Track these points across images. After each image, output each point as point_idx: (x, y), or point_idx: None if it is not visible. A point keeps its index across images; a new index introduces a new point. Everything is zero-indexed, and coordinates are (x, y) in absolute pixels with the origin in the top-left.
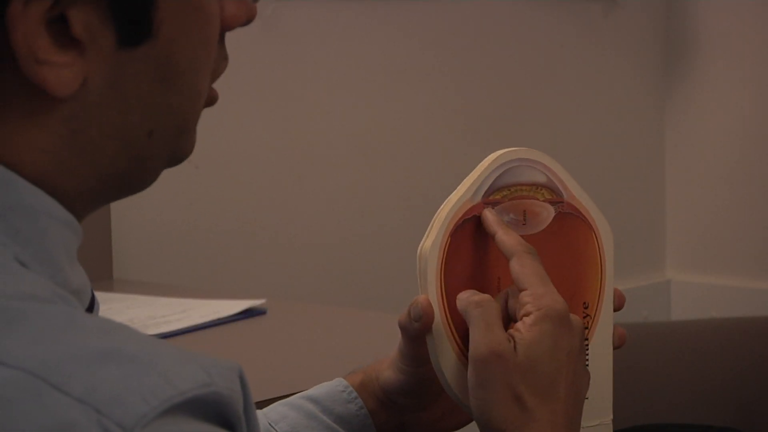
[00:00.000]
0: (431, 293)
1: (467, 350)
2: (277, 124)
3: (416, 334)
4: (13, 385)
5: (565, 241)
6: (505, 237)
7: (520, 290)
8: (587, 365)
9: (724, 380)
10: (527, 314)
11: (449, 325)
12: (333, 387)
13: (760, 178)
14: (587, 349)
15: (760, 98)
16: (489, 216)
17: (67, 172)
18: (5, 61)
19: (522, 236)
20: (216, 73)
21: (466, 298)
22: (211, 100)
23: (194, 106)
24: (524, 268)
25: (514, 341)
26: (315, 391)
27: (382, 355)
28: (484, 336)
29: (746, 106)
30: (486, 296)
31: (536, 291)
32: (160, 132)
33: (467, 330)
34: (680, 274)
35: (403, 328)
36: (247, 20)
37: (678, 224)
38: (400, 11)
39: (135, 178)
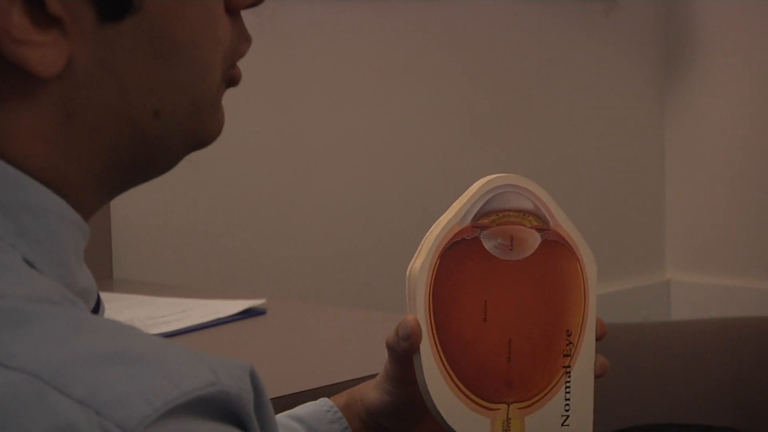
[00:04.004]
0: (419, 314)
1: (453, 371)
2: (278, 124)
3: (404, 353)
4: (15, 387)
5: (550, 268)
6: None
7: None
8: (569, 393)
9: (724, 380)
10: None
11: (436, 345)
12: (318, 407)
13: (760, 178)
14: (569, 377)
15: (760, 98)
16: None
17: (71, 159)
18: None
19: (508, 262)
20: (237, 54)
21: None
22: (232, 79)
23: (204, 83)
24: None
25: None
26: (300, 410)
27: (382, 354)
28: None
29: (746, 106)
30: None
31: None
32: (168, 111)
33: (454, 351)
34: (680, 274)
35: (391, 348)
36: None
37: (678, 224)
38: (400, 12)
39: (149, 161)
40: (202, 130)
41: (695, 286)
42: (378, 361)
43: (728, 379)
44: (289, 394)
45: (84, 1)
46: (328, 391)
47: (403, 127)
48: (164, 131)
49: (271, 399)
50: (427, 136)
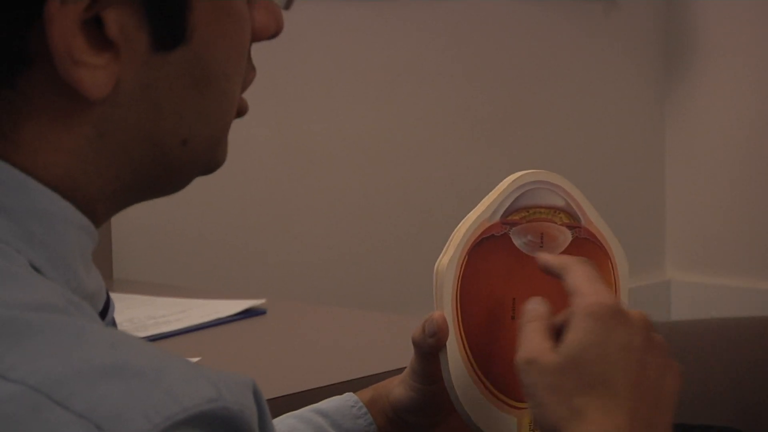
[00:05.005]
0: (446, 310)
1: (480, 369)
2: (278, 124)
3: (429, 350)
4: (14, 400)
5: None
6: (553, 260)
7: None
8: None
9: (724, 380)
10: (572, 316)
11: (463, 342)
12: (343, 401)
13: (760, 178)
14: None
15: (760, 98)
16: (542, 256)
17: (91, 173)
18: (36, 62)
19: None
20: (245, 84)
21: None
22: (242, 110)
23: (227, 115)
24: (572, 276)
25: (560, 344)
26: (325, 404)
27: (382, 354)
28: (521, 346)
29: (746, 105)
30: (538, 311)
31: (582, 291)
32: (194, 141)
33: (480, 348)
34: (680, 274)
35: (417, 344)
36: (276, 31)
37: (678, 224)
38: (400, 12)
39: (165, 183)
40: (213, 160)
41: (695, 286)
42: (378, 361)
43: (728, 379)
44: (288, 394)
45: (141, 28)
46: (328, 391)
47: (402, 127)
48: (187, 159)
49: (271, 399)
50: (425, 137)
